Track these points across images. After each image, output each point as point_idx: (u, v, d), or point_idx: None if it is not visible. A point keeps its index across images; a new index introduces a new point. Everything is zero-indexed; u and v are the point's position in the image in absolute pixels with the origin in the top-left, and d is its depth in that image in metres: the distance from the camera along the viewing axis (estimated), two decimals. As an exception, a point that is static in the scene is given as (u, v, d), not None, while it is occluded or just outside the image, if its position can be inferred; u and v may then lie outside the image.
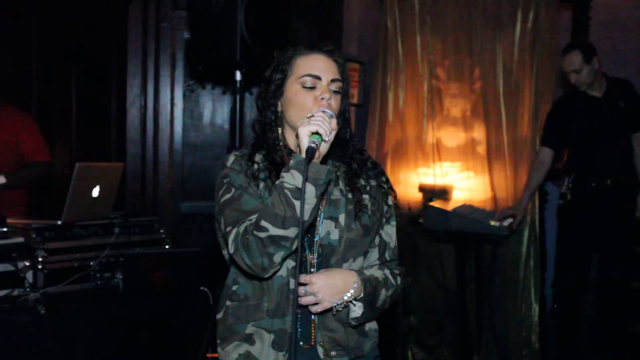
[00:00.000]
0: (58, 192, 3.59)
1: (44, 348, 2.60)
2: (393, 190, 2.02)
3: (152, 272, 3.07)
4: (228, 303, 1.90)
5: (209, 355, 2.89)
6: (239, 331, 1.86)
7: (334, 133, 1.75)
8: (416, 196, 4.65)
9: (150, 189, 4.62)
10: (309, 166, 1.68)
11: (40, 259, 2.88)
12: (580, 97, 4.13)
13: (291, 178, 1.69)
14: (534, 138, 4.49)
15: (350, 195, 1.90)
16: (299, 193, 1.66)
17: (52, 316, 2.69)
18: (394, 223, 2.00)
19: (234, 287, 1.90)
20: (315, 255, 1.85)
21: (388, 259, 1.97)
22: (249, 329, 1.84)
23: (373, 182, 1.97)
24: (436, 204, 4.31)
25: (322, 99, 1.83)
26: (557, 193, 4.59)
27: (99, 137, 4.92)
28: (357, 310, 1.83)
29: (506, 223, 4.20)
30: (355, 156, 1.97)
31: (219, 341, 1.92)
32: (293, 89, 1.87)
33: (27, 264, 2.85)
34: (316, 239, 1.86)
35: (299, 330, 1.86)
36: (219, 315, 1.92)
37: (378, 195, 1.95)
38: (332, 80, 1.87)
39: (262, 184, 1.84)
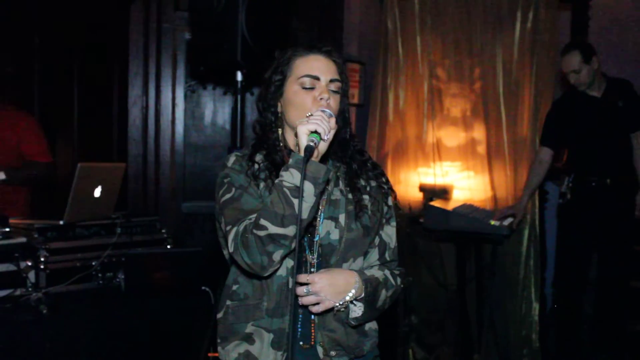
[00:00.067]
0: (60, 192, 3.60)
1: (46, 348, 2.60)
2: (393, 191, 2.03)
3: (153, 272, 3.08)
4: (228, 302, 1.91)
5: (210, 354, 2.89)
6: (238, 330, 1.87)
7: (332, 132, 1.76)
8: (416, 196, 4.66)
9: (151, 189, 4.64)
10: (307, 164, 1.69)
11: (42, 259, 2.89)
12: (580, 97, 4.13)
13: (290, 177, 1.70)
14: (534, 138, 4.49)
15: (350, 196, 1.91)
16: (298, 191, 1.67)
17: (54, 316, 2.69)
18: (394, 224, 2.01)
19: (234, 287, 1.91)
20: (315, 255, 1.86)
21: (388, 259, 1.98)
22: (249, 328, 1.85)
23: (373, 183, 1.98)
24: (436, 203, 4.31)
25: (321, 99, 1.84)
26: (557, 192, 4.60)
27: (101, 138, 4.94)
28: (357, 310, 1.84)
29: (506, 222, 4.21)
30: (356, 157, 1.98)
31: (219, 340, 1.93)
32: (292, 89, 1.89)
33: (29, 263, 2.86)
34: (316, 239, 1.86)
35: (300, 330, 1.87)
36: (219, 315, 1.93)
37: (378, 196, 1.96)
38: (331, 81, 1.88)
39: (262, 184, 1.85)
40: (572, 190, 4.20)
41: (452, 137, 4.67)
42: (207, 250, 3.16)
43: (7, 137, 3.82)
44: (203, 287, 3.10)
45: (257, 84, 2.15)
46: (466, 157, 4.66)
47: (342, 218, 1.88)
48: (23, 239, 2.91)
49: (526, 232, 4.50)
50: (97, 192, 3.15)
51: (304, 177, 1.68)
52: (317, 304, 1.79)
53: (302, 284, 1.79)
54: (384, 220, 1.97)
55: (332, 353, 1.86)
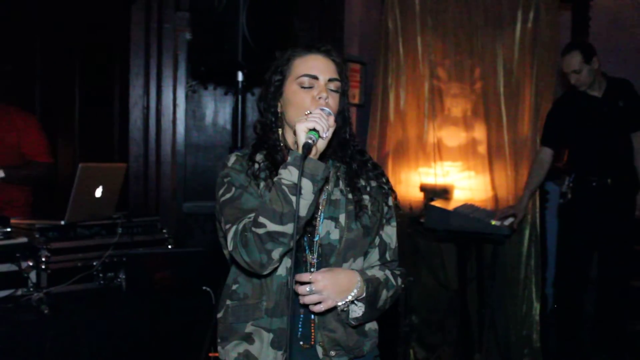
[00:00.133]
0: (61, 192, 3.61)
1: (47, 347, 2.61)
2: (393, 191, 2.03)
3: (154, 272, 3.08)
4: (228, 302, 1.91)
5: (211, 354, 2.90)
6: (238, 330, 1.87)
7: (331, 130, 1.76)
8: (417, 196, 4.66)
9: (152, 189, 4.63)
10: (305, 162, 1.69)
11: (43, 259, 2.90)
12: (580, 96, 4.14)
13: (288, 174, 1.70)
14: (535, 138, 4.49)
15: (350, 196, 1.92)
16: (297, 189, 1.68)
17: (56, 316, 2.70)
18: (394, 224, 2.01)
19: (234, 287, 1.91)
20: (315, 255, 1.86)
21: (389, 259, 1.98)
22: (249, 328, 1.85)
23: (373, 183, 1.98)
24: (437, 203, 4.31)
25: (319, 98, 1.84)
26: (557, 192, 4.60)
27: (102, 138, 4.94)
28: (358, 310, 1.83)
29: (507, 222, 4.21)
30: (356, 157, 1.98)
31: (219, 340, 1.93)
32: (291, 89, 1.89)
33: (31, 263, 2.86)
34: (316, 239, 1.86)
35: (300, 330, 1.87)
36: (220, 315, 1.93)
37: (378, 196, 1.96)
38: (330, 80, 1.88)
39: (262, 184, 1.85)
40: (572, 190, 4.20)
41: (452, 137, 4.67)
42: (208, 250, 3.17)
43: (8, 137, 3.81)
44: (204, 287, 3.10)
45: (258, 84, 2.16)
46: (467, 157, 4.66)
47: (342, 218, 1.88)
48: (24, 239, 2.92)
49: (527, 232, 4.51)
50: (98, 192, 3.15)
51: (301, 174, 1.68)
52: (319, 303, 1.78)
53: (299, 283, 1.78)
54: (384, 221, 1.97)
55: (332, 353, 1.86)
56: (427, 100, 4.63)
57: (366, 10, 5.35)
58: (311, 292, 1.77)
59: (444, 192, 4.59)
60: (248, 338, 1.85)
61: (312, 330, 1.86)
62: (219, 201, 1.86)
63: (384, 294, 1.88)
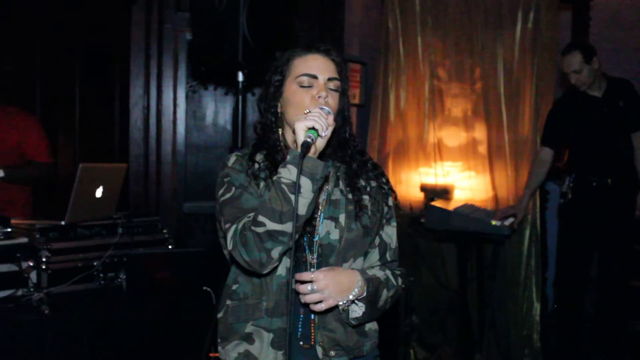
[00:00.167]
0: (61, 192, 3.61)
1: (47, 347, 2.61)
2: (393, 192, 2.03)
3: (155, 272, 3.09)
4: (228, 302, 1.91)
5: (211, 354, 2.90)
6: (238, 330, 1.87)
7: (330, 129, 1.76)
8: (418, 196, 4.66)
9: (153, 189, 4.64)
10: (304, 160, 1.69)
11: (44, 259, 2.90)
12: (581, 97, 4.14)
13: (287, 173, 1.70)
14: (535, 138, 4.49)
15: (350, 196, 1.91)
16: (296, 187, 1.68)
17: (56, 316, 2.70)
18: (394, 224, 2.00)
19: (234, 287, 1.91)
20: (315, 255, 1.86)
21: (389, 259, 1.98)
22: (249, 328, 1.85)
23: (373, 183, 1.98)
24: (437, 203, 4.31)
25: (319, 97, 1.84)
26: (558, 192, 4.60)
27: (102, 138, 4.95)
28: (358, 310, 1.83)
29: (507, 222, 4.21)
30: (356, 157, 1.98)
31: (219, 340, 1.93)
32: (291, 89, 1.89)
33: (31, 264, 2.87)
34: (316, 238, 1.86)
35: (300, 330, 1.87)
36: (220, 315, 1.93)
37: (378, 196, 1.96)
38: (329, 79, 1.88)
39: (262, 184, 1.85)
40: (573, 190, 4.21)
41: (453, 137, 4.67)
42: (209, 250, 3.17)
43: (8, 137, 3.81)
44: (204, 287, 3.10)
45: (258, 84, 2.16)
46: (467, 157, 4.66)
47: (342, 218, 1.88)
48: (25, 239, 2.92)
49: (527, 232, 4.51)
50: (99, 192, 3.16)
51: (300, 172, 1.68)
52: (320, 302, 1.77)
53: (299, 282, 1.78)
54: (384, 221, 1.97)
55: (332, 353, 1.86)
56: (427, 101, 4.63)
57: (366, 10, 5.36)
58: (312, 291, 1.76)
59: (445, 192, 4.59)
60: (248, 338, 1.85)
61: (312, 330, 1.86)
62: (219, 201, 1.86)
63: (385, 294, 1.88)
